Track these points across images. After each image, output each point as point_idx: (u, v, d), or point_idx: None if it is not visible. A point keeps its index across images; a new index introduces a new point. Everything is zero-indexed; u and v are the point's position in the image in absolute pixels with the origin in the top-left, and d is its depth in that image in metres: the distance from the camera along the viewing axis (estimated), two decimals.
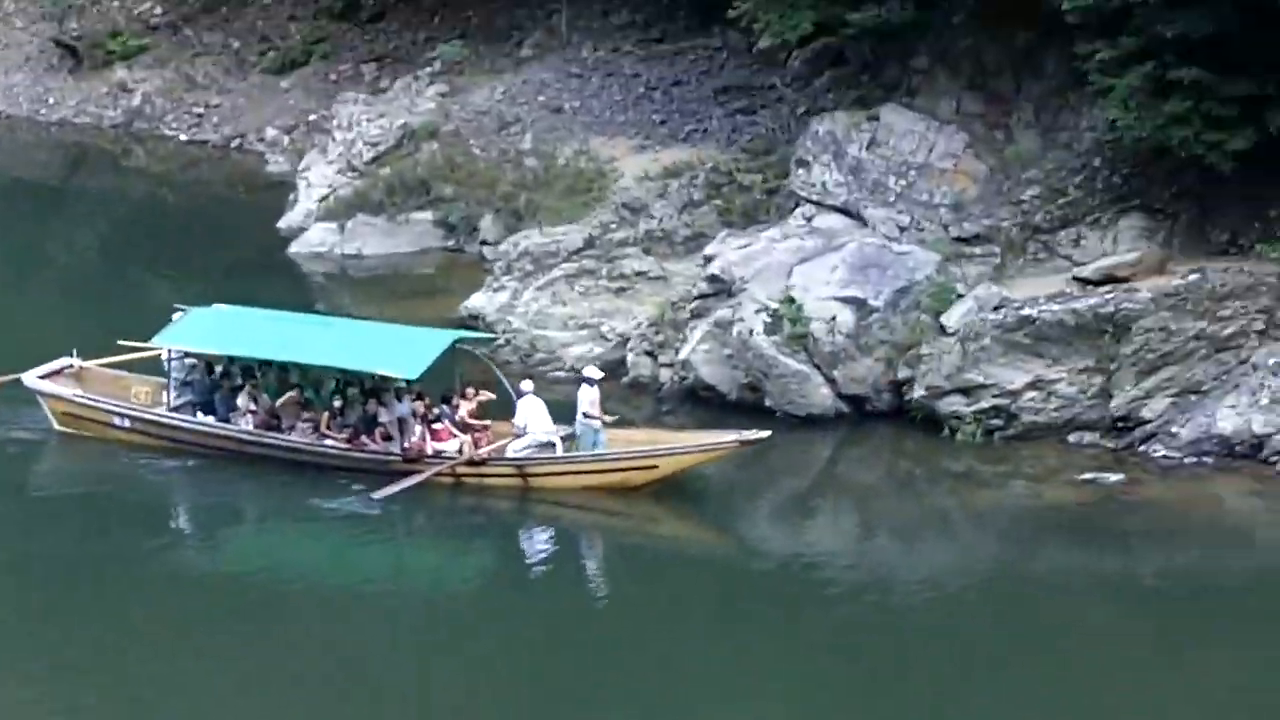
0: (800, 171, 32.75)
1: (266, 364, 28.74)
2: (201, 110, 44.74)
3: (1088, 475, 28.00)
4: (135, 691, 20.81)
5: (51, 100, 45.74)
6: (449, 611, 24.25)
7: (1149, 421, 28.57)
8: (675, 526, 27.55)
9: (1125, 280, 29.47)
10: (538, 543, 27.23)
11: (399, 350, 28.26)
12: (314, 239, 38.27)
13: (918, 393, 29.19)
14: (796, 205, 32.56)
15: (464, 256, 37.70)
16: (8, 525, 26.37)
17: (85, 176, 44.64)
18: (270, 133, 43.79)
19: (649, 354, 31.26)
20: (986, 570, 26.67)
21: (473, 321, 33.11)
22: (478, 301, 33.61)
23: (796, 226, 31.72)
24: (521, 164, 38.19)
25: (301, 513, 27.07)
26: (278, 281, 36.99)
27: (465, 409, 27.85)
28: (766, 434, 27.36)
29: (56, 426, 29.21)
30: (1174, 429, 28.38)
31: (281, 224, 39.30)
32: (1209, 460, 28.12)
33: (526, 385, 28.08)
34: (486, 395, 28.21)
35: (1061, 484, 28.17)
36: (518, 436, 27.27)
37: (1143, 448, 28.47)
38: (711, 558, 26.37)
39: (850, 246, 30.53)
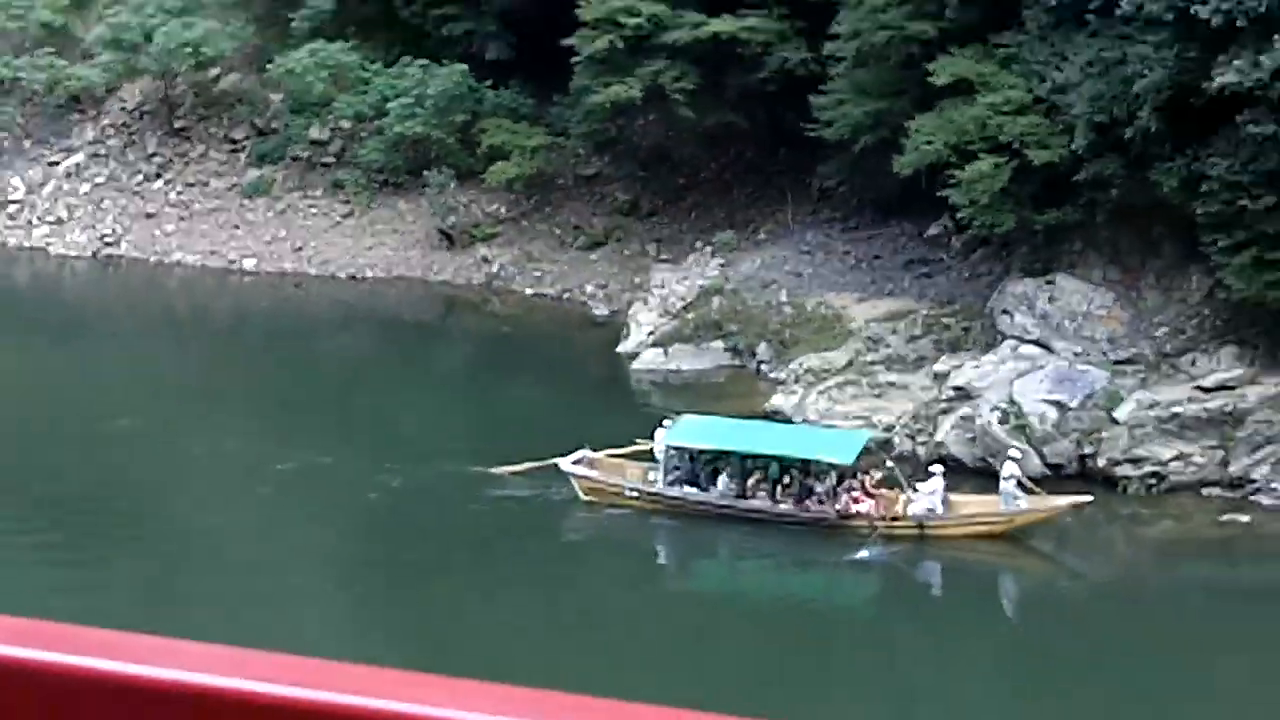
0: (1004, 317, 34.54)
1: (729, 453, 29.05)
2: (539, 273, 45.87)
3: (1225, 517, 29.43)
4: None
5: (435, 268, 46.84)
6: (877, 624, 26.15)
7: (1256, 481, 30.06)
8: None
9: (1234, 389, 31.06)
10: (929, 573, 28.36)
11: (832, 444, 29.08)
12: (647, 360, 39.51)
13: (1100, 462, 30.76)
14: (1003, 339, 34.13)
15: (744, 371, 38.76)
16: (558, 561, 27.79)
17: (460, 319, 45.62)
18: (589, 289, 45.16)
19: (909, 436, 32.72)
20: (1151, 579, 28.28)
21: (775, 415, 34.31)
22: (777, 401, 35.05)
23: (1008, 353, 33.43)
24: (782, 310, 39.59)
25: (768, 553, 28.38)
26: (626, 389, 38.11)
27: (869, 482, 28.65)
28: (1090, 499, 28.27)
29: (582, 497, 29.45)
30: (1275, 485, 29.92)
31: (620, 349, 40.35)
32: None
33: (936, 468, 28.90)
34: (879, 474, 28.99)
35: (1203, 523, 29.67)
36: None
37: (1253, 498, 29.98)
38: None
39: (1049, 368, 32.29)
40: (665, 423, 30.13)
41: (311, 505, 31.03)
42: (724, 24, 41.82)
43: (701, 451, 29.23)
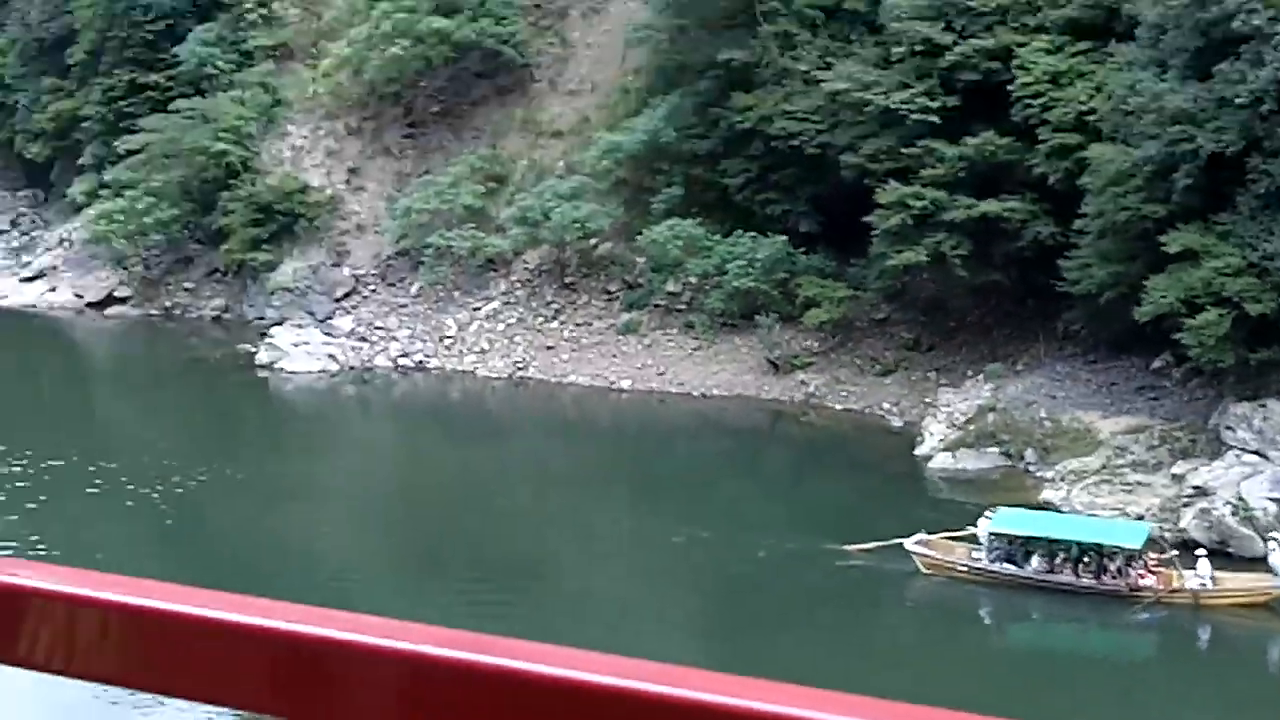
0: (1227, 432, 36.30)
1: (1039, 538, 30.34)
2: (845, 394, 48.88)
3: None
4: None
5: (765, 389, 50.18)
6: (1164, 672, 28.08)
7: None
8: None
9: None
10: (1203, 633, 29.48)
11: (1121, 532, 30.60)
12: (939, 461, 41.82)
13: None
14: (1226, 449, 35.84)
15: (1015, 470, 40.35)
16: (906, 618, 29.80)
17: (785, 428, 48.56)
18: (885, 405, 47.86)
19: (1158, 524, 34.10)
20: None
21: (1047, 506, 35.73)
22: (1048, 495, 36.94)
23: (1234, 460, 35.24)
24: (1043, 424, 41.60)
25: (1072, 617, 30.11)
26: (923, 484, 40.22)
27: (1150, 562, 29.99)
28: None
29: (923, 570, 30.83)
30: None
31: (916, 452, 42.69)
32: None
33: (1201, 551, 29.87)
34: (1160, 555, 30.30)
35: None
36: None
37: None
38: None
39: (1268, 472, 34.07)
40: (987, 514, 31.87)
41: (705, 570, 34.08)
42: (990, 205, 45.01)
43: (1017, 536, 30.84)
